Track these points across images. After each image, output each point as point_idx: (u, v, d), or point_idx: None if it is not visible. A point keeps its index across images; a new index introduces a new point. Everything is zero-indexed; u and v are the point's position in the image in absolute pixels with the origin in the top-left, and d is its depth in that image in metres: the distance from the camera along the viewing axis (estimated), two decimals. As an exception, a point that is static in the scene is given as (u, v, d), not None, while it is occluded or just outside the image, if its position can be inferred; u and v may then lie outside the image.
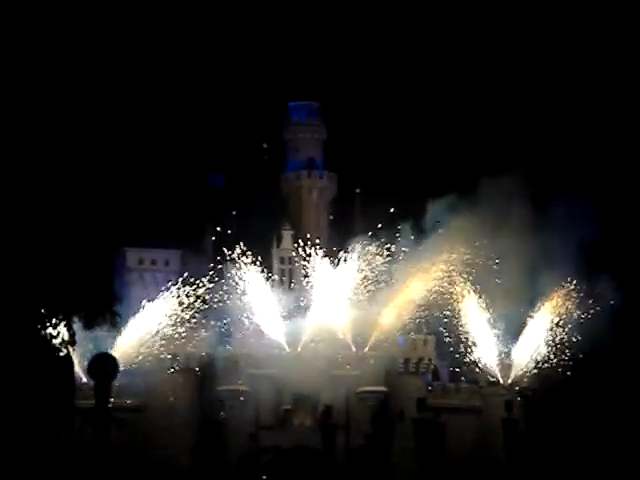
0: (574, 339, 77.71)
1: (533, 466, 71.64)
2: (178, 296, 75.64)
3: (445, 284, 78.57)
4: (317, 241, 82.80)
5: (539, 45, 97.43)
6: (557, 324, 78.54)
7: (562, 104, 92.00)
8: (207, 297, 76.33)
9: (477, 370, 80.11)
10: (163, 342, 74.78)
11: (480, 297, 78.56)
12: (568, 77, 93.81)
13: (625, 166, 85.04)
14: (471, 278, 78.35)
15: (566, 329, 78.33)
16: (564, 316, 78.46)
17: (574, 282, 77.81)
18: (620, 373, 77.78)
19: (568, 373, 77.33)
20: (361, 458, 68.77)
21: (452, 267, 78.18)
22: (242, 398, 76.75)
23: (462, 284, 78.69)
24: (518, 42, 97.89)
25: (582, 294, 77.85)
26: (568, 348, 77.87)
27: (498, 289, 76.77)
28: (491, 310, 78.42)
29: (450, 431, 71.82)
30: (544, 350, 78.73)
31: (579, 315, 77.85)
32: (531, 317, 79.10)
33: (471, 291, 78.72)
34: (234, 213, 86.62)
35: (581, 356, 77.00)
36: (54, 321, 44.39)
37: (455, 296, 78.90)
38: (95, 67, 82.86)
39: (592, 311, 76.84)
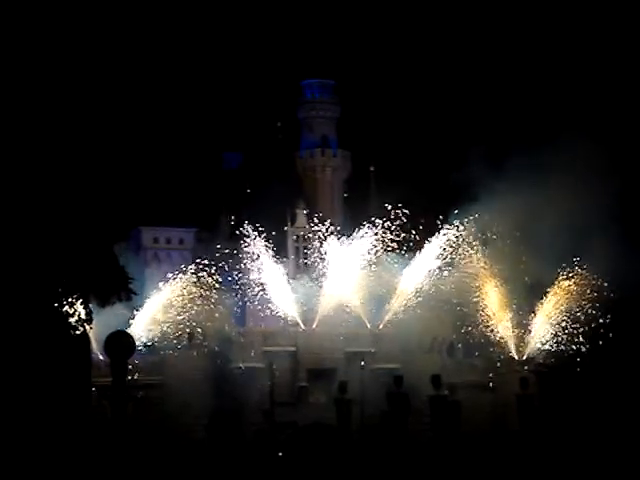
0: (592, 316, 77.48)
1: (548, 441, 71.77)
2: (193, 274, 76.03)
3: (462, 260, 78.71)
4: (331, 219, 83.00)
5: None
6: (575, 302, 78.39)
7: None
8: (222, 275, 76.70)
9: (492, 347, 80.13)
10: (179, 320, 75.21)
11: (496, 275, 78.47)
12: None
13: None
14: (489, 252, 78.26)
15: (583, 308, 78.15)
16: (582, 295, 78.27)
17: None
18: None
19: (583, 349, 77.29)
20: (376, 434, 69.11)
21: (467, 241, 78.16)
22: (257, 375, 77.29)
23: (479, 258, 78.67)
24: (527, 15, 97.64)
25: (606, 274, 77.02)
26: (585, 325, 77.74)
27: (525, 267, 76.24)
28: (510, 285, 78.21)
29: (465, 408, 72.10)
30: (560, 327, 78.73)
31: (599, 296, 77.47)
32: (551, 290, 78.85)
33: (488, 268, 78.68)
34: (249, 192, 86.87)
35: (598, 333, 76.89)
36: (71, 299, 44.71)
37: (473, 273, 78.98)
38: (113, 46, 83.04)
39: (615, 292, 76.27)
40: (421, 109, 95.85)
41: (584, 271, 77.77)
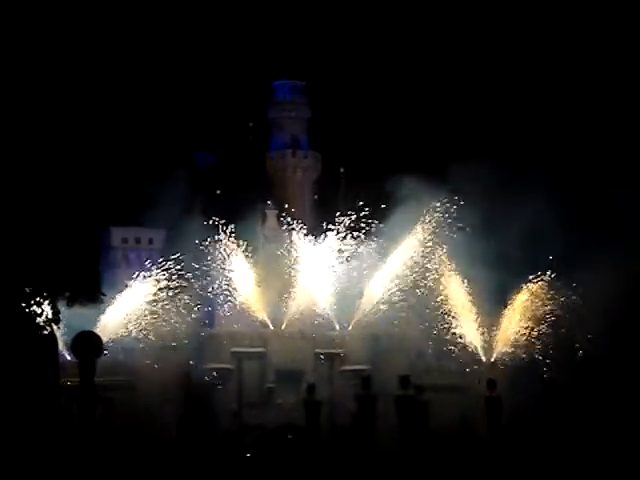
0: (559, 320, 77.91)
1: (516, 443, 72.11)
2: (162, 274, 75.85)
3: (427, 261, 78.87)
4: (301, 220, 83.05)
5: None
6: (542, 307, 78.77)
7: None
8: (192, 275, 76.59)
9: (460, 348, 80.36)
10: (148, 320, 75.02)
11: (462, 274, 78.69)
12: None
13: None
14: (450, 250, 78.46)
15: (550, 308, 78.55)
16: (549, 297, 78.66)
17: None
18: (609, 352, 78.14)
19: (551, 352, 77.74)
20: (344, 435, 69.17)
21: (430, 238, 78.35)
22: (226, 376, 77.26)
23: (443, 259, 78.80)
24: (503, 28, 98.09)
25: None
26: (553, 326, 78.18)
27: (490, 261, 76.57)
28: (476, 286, 78.42)
29: (433, 409, 72.22)
30: (527, 327, 79.09)
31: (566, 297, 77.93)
32: (519, 292, 79.23)
33: (453, 267, 78.85)
34: (219, 192, 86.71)
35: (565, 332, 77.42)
36: (38, 299, 44.46)
37: (438, 272, 79.15)
38: (83, 48, 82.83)
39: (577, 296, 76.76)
40: (391, 110, 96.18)
41: (551, 277, 78.34)
